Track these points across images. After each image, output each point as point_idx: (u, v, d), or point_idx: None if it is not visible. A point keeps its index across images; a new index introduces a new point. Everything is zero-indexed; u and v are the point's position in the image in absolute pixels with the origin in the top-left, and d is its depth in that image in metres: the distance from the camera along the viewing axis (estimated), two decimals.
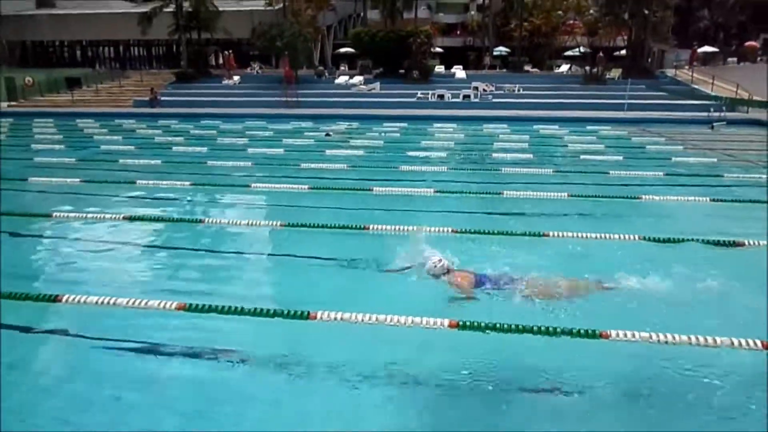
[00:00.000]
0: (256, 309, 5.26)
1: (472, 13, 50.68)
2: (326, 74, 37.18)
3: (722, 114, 23.73)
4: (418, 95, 30.41)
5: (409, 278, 6.03)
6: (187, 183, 11.20)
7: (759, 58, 38.11)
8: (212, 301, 5.42)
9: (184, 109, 29.13)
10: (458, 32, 50.09)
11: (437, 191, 10.37)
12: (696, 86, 31.27)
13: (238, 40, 42.82)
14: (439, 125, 22.65)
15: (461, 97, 29.90)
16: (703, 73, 33.47)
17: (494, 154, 15.21)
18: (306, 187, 10.71)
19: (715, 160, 14.27)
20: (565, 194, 9.97)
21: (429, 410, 4.06)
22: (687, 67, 37.52)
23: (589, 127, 21.44)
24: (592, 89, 32.08)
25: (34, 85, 34.56)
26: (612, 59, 37.52)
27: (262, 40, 33.11)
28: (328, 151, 15.66)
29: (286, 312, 5.21)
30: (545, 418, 4.05)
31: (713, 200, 9.61)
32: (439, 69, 38.50)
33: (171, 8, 35.05)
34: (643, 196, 9.71)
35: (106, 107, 30.89)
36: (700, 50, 40.57)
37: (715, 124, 22.25)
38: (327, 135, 19.74)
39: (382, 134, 20.11)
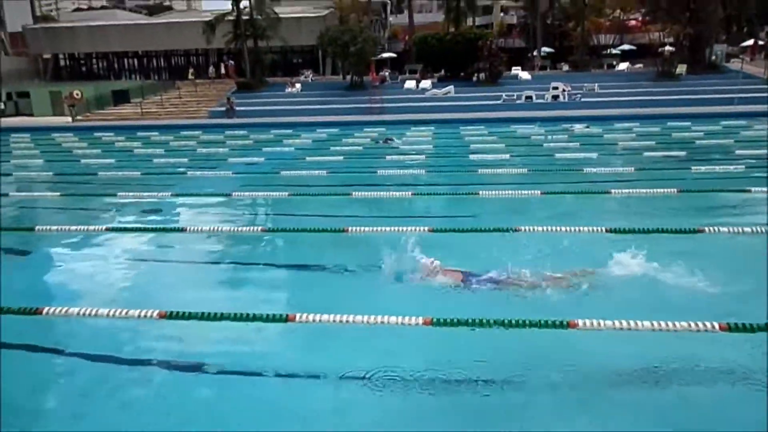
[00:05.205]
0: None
1: (501, 14, 50.83)
2: (388, 79, 36.50)
3: None
4: (504, 97, 30.02)
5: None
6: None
7: None
8: None
9: (268, 119, 28.01)
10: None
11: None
12: None
13: (281, 47, 41.78)
14: (572, 126, 22.37)
15: (549, 98, 29.67)
16: None
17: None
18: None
19: None
20: None
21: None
22: (747, 59, 38.23)
23: (723, 123, 21.39)
24: (667, 86, 32.25)
25: (83, 99, 32.82)
26: (655, 55, 37.95)
27: (334, 46, 32.29)
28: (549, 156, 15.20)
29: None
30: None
31: None
32: None
33: (232, 16, 33.88)
34: None
35: (180, 119, 29.54)
36: (745, 44, 41.56)
37: None
38: (386, 141, 19.22)
39: (548, 137, 19.86)
